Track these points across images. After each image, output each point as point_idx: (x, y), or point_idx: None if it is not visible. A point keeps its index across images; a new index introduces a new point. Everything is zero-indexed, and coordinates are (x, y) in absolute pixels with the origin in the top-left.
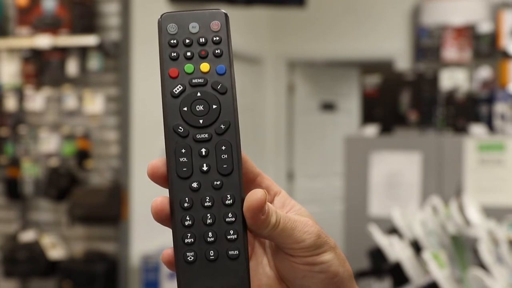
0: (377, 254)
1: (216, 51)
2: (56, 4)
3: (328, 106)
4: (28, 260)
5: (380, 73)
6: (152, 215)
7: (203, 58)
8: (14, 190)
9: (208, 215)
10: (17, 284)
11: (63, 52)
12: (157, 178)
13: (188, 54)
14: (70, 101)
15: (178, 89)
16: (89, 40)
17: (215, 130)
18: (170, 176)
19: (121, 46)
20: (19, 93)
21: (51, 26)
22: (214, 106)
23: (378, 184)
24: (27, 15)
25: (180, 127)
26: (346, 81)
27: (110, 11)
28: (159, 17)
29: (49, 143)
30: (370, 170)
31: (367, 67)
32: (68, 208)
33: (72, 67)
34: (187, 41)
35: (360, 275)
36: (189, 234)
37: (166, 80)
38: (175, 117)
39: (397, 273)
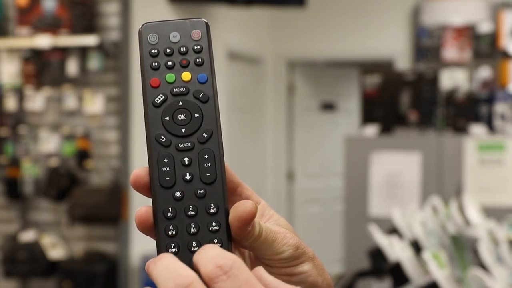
0: (377, 254)
1: (197, 60)
2: (56, 4)
3: (328, 106)
4: (28, 260)
5: (380, 73)
6: (136, 225)
7: (184, 67)
8: (14, 190)
9: (192, 224)
10: (17, 284)
11: (63, 52)
12: (140, 187)
13: (169, 63)
14: (70, 101)
15: (159, 98)
16: (89, 40)
17: (197, 139)
18: (153, 186)
19: (121, 46)
20: (19, 93)
21: (51, 26)
22: (196, 115)
23: (378, 184)
24: (27, 15)
25: (162, 137)
26: (346, 81)
27: (110, 11)
28: (140, 27)
29: (49, 143)
30: (370, 170)
31: (367, 67)
32: (68, 208)
33: (72, 67)
34: (168, 50)
35: (360, 275)
36: (173, 244)
37: (148, 90)
38: (157, 127)
39: (397, 273)
